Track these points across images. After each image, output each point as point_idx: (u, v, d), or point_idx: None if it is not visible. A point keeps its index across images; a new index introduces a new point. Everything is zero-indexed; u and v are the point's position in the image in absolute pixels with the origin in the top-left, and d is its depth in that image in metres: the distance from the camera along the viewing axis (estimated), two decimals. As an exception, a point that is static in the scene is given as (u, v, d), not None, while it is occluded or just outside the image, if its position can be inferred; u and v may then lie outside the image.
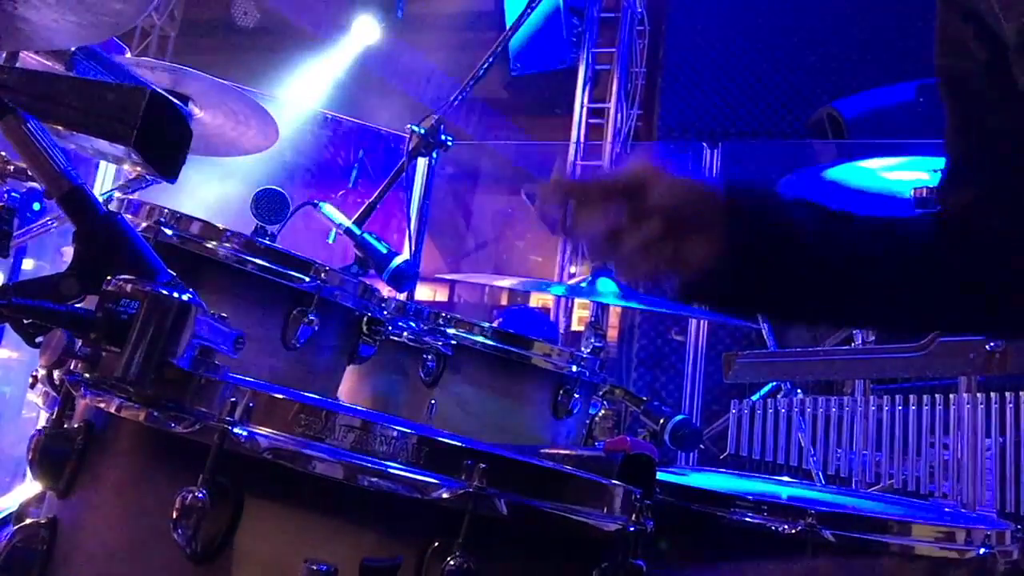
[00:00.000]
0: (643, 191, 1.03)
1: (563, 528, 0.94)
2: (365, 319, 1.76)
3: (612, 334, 5.79)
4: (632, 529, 0.97)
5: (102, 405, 0.96)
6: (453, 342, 1.91)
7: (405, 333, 1.89)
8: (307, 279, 1.63)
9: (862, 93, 5.58)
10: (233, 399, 0.89)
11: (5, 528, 1.42)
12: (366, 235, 1.97)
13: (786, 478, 2.47)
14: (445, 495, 0.87)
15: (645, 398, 2.18)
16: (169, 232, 1.57)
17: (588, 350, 2.19)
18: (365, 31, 7.28)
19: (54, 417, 1.03)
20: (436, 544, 0.87)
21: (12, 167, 1.83)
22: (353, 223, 2.02)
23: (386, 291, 1.91)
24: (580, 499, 0.96)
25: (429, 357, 1.91)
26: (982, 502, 2.90)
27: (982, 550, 1.38)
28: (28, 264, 3.47)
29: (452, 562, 0.85)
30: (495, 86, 7.18)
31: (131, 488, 0.96)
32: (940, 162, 1.23)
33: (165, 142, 1.04)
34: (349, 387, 1.94)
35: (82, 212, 1.04)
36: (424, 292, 6.92)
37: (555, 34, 6.48)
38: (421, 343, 1.90)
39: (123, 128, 1.00)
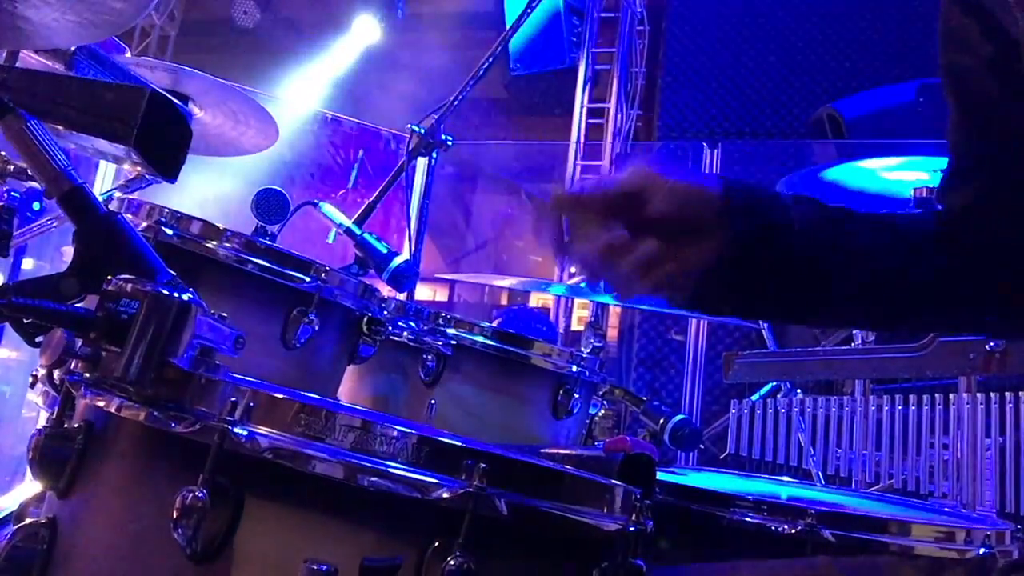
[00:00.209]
0: (642, 200, 1.02)
1: (563, 528, 0.94)
2: (365, 319, 1.76)
3: (612, 334, 5.79)
4: (632, 529, 0.97)
5: (102, 405, 0.96)
6: (453, 342, 1.91)
7: (405, 333, 1.89)
8: (307, 279, 1.63)
9: (862, 93, 5.58)
10: (233, 399, 0.89)
11: (5, 528, 1.42)
12: (366, 235, 1.98)
13: (786, 478, 2.47)
14: (445, 495, 0.87)
15: (645, 398, 2.19)
16: (169, 232, 1.57)
17: (588, 350, 2.19)
18: (365, 31, 7.28)
19: (54, 417, 1.03)
20: (436, 544, 0.87)
21: (12, 167, 1.83)
22: (353, 223, 2.02)
23: (386, 291, 1.91)
24: (580, 499, 0.96)
25: (429, 357, 1.91)
26: (982, 502, 2.91)
27: (982, 550, 1.38)
28: (28, 264, 3.47)
29: (452, 562, 0.85)
30: (495, 86, 7.18)
31: (131, 488, 0.96)
32: (940, 162, 1.23)
33: (165, 142, 1.05)
34: (349, 387, 1.94)
35: (82, 212, 1.04)
36: (424, 292, 6.91)
37: (555, 34, 6.48)
38: (421, 343, 1.90)
39: (123, 128, 1.00)
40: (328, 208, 2.04)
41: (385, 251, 1.95)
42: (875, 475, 3.22)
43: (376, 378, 1.97)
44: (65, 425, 1.02)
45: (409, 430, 0.92)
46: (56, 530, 0.98)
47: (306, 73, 7.08)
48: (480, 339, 1.94)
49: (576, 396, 2.00)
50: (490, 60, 2.49)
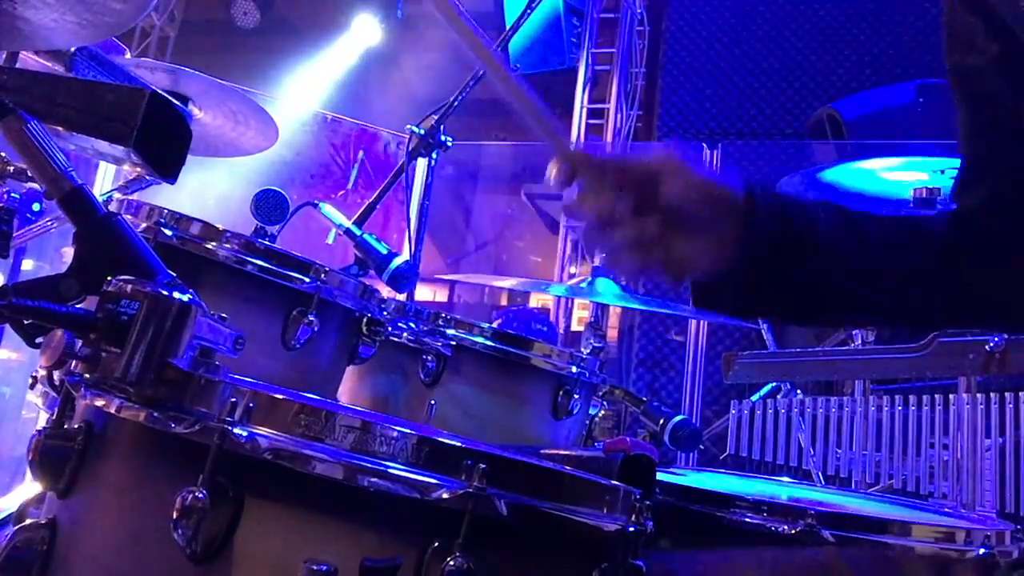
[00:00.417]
0: (657, 183, 1.02)
1: (563, 528, 0.94)
2: (365, 320, 1.76)
3: (612, 334, 5.78)
4: (632, 529, 0.97)
5: (102, 406, 0.96)
6: (453, 343, 1.91)
7: (405, 334, 1.89)
8: (307, 280, 1.63)
9: (862, 93, 5.58)
10: (233, 399, 0.89)
11: (5, 528, 1.42)
12: (366, 235, 1.97)
13: (786, 478, 2.47)
14: (445, 495, 0.87)
15: (645, 398, 2.18)
16: (169, 233, 1.57)
17: (588, 350, 2.20)
18: (365, 31, 7.27)
19: (54, 417, 1.03)
20: (436, 544, 0.87)
21: (12, 167, 1.83)
22: (353, 224, 2.02)
23: (386, 292, 1.91)
24: (580, 499, 0.96)
25: (429, 358, 1.91)
26: (982, 502, 2.91)
27: (982, 550, 1.38)
28: (28, 264, 3.46)
29: (452, 562, 0.85)
30: (495, 86, 7.16)
31: (131, 488, 0.96)
32: (940, 163, 1.23)
33: (165, 143, 1.05)
34: (349, 387, 1.94)
35: (82, 213, 1.04)
36: (424, 292, 6.91)
37: (555, 34, 6.48)
38: (421, 344, 1.90)
39: (123, 129, 1.00)
40: (328, 209, 2.04)
41: (385, 252, 1.95)
42: (875, 475, 3.23)
43: (376, 379, 1.97)
44: (65, 426, 1.02)
45: (409, 431, 0.92)
46: (56, 531, 0.98)
47: (306, 74, 7.08)
48: (480, 340, 1.94)
49: (576, 397, 2.00)
50: (490, 60, 2.48)
